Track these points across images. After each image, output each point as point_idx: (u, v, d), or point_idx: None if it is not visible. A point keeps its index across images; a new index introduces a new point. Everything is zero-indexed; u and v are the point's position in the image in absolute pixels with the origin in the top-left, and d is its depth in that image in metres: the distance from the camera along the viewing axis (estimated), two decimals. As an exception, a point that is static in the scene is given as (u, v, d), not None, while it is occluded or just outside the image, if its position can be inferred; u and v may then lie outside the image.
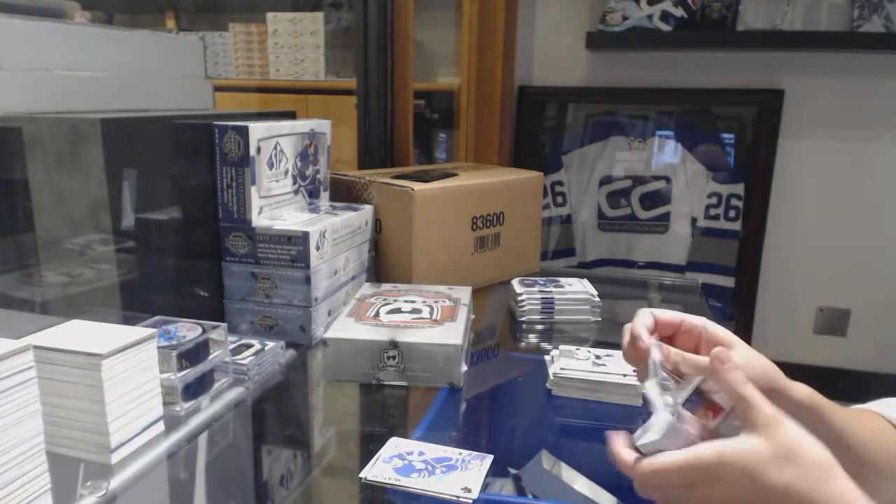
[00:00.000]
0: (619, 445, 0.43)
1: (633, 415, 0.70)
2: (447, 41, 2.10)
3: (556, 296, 0.98)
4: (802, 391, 0.50)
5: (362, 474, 0.57)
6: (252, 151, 0.81)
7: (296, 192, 0.93)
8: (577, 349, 0.81)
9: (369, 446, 0.61)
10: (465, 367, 0.77)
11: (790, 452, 0.38)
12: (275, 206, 0.88)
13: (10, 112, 0.75)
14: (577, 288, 1.00)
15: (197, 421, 0.64)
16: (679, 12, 1.71)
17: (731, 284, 1.88)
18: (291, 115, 1.08)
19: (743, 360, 0.48)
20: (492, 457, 0.59)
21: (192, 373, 0.65)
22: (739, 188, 1.85)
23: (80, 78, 0.87)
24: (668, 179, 1.91)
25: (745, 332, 1.91)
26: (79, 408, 0.54)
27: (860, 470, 0.49)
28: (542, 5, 1.91)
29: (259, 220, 0.84)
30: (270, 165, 0.86)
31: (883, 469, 0.50)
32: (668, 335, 0.52)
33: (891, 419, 0.53)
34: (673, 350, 0.47)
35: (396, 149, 1.40)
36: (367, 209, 1.01)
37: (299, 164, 0.93)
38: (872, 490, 0.49)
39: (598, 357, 0.79)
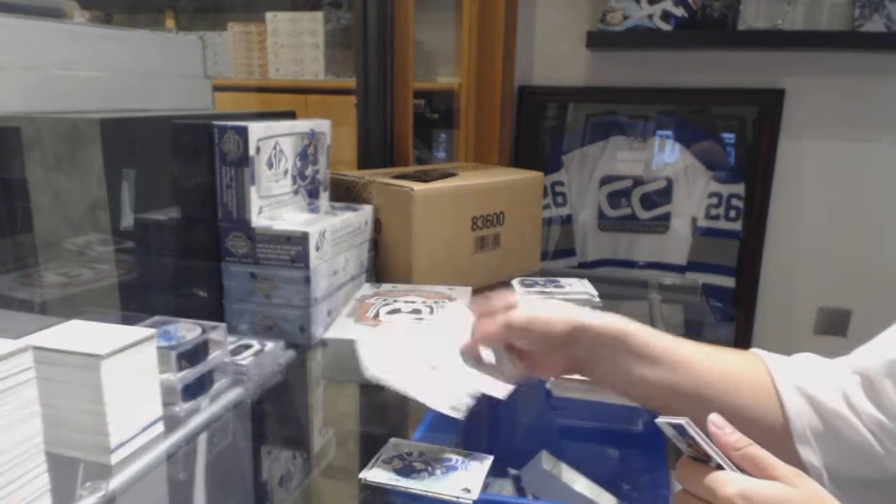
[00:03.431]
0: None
1: (633, 415, 0.70)
2: (447, 41, 2.10)
3: (556, 296, 0.98)
4: (607, 322, 0.57)
5: (362, 475, 0.56)
6: (251, 151, 0.81)
7: (295, 192, 0.93)
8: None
9: (369, 446, 0.61)
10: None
11: (821, 500, 0.40)
12: (274, 206, 0.88)
13: (10, 112, 0.74)
14: (577, 288, 1.00)
15: (196, 421, 0.64)
16: (679, 12, 1.71)
17: (731, 284, 1.88)
18: (291, 115, 1.08)
19: (545, 312, 0.57)
20: (491, 457, 0.59)
21: (191, 373, 0.65)
22: (740, 188, 1.85)
23: (79, 78, 0.87)
24: (668, 179, 1.91)
25: (745, 331, 1.91)
26: (78, 408, 0.54)
27: (687, 396, 0.54)
28: (542, 5, 1.91)
29: (258, 220, 0.84)
30: (270, 165, 0.85)
31: (711, 399, 0.54)
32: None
33: (767, 363, 0.56)
34: None
35: (396, 149, 1.40)
36: (367, 209, 1.01)
37: (299, 164, 0.92)
38: (702, 406, 0.51)
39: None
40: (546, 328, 0.57)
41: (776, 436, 0.52)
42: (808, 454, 0.51)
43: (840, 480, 0.51)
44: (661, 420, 0.44)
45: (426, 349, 0.61)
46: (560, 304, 0.60)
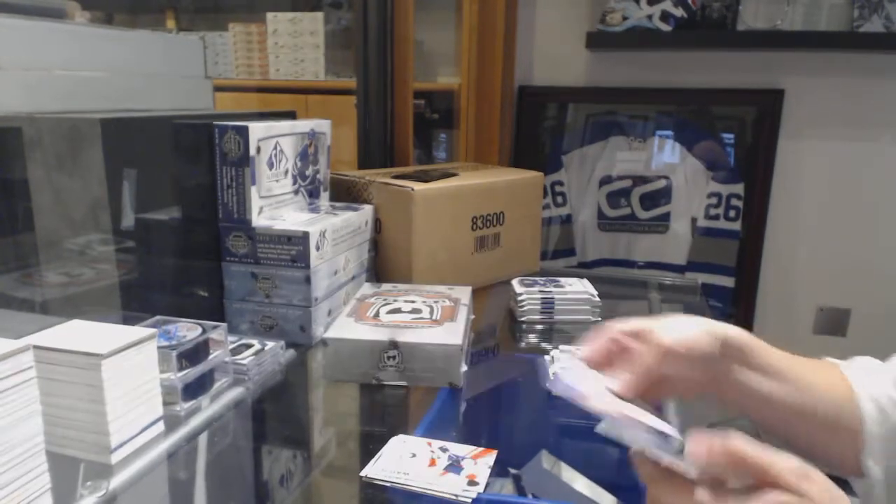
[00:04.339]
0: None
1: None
2: (447, 41, 2.10)
3: (556, 296, 0.98)
4: (738, 333, 0.53)
5: (363, 472, 0.56)
6: (252, 151, 0.81)
7: (296, 192, 0.93)
8: (578, 349, 0.81)
9: (369, 446, 0.61)
10: (465, 367, 0.77)
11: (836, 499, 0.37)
12: (275, 206, 0.88)
13: (10, 112, 0.75)
14: (577, 288, 1.00)
15: (197, 421, 0.64)
16: (679, 12, 1.71)
17: (731, 284, 1.88)
18: (291, 115, 1.08)
19: (675, 337, 0.50)
20: (495, 452, 0.59)
21: (192, 373, 0.65)
22: (739, 188, 1.85)
23: (80, 78, 0.87)
24: (667, 179, 1.91)
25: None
26: (79, 408, 0.54)
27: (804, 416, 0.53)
28: (542, 5, 1.91)
29: (259, 220, 0.84)
30: (270, 165, 0.86)
31: (809, 402, 0.53)
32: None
33: (843, 371, 0.55)
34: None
35: (396, 149, 1.40)
36: (367, 209, 1.01)
37: (299, 164, 0.93)
38: (796, 419, 0.52)
39: (598, 357, 0.78)
40: (692, 348, 0.50)
41: (851, 441, 0.52)
42: (873, 468, 0.51)
43: None
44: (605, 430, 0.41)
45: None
46: (693, 319, 0.53)
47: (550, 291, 0.99)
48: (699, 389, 0.53)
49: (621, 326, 0.53)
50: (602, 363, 0.52)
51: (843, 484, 0.54)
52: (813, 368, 0.56)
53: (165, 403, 0.62)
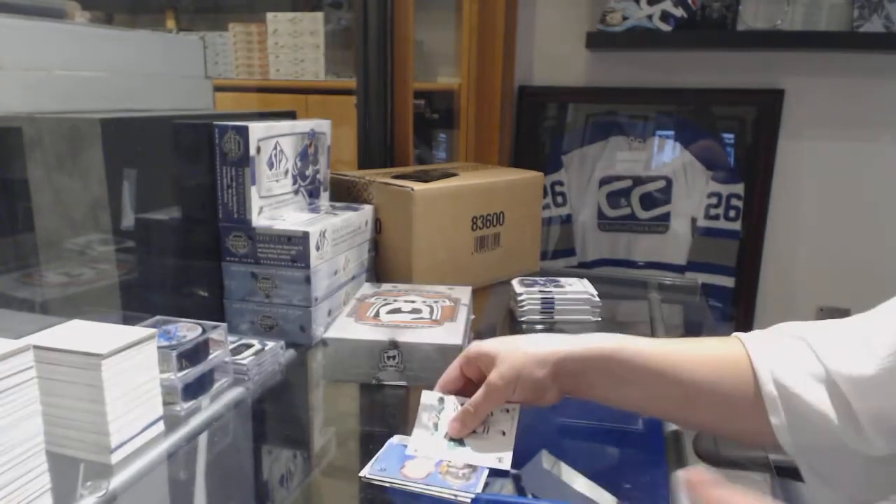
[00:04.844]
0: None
1: (634, 415, 0.70)
2: (447, 41, 2.10)
3: (556, 296, 0.98)
4: (589, 346, 0.57)
5: (362, 473, 0.56)
6: (252, 151, 0.81)
7: (296, 192, 0.93)
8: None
9: (369, 446, 0.61)
10: (465, 367, 0.77)
11: None
12: (275, 206, 0.88)
13: (10, 112, 0.74)
14: (577, 288, 1.00)
15: (197, 421, 0.64)
16: (679, 12, 1.71)
17: (731, 284, 1.88)
18: (291, 115, 1.08)
19: (497, 374, 0.58)
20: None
21: (192, 373, 0.65)
22: (739, 188, 1.85)
23: (80, 78, 0.87)
24: (668, 179, 1.91)
25: (744, 331, 1.91)
26: (79, 408, 0.54)
27: (679, 391, 0.55)
28: (542, 5, 1.91)
29: (259, 220, 0.84)
30: (270, 165, 0.86)
31: (703, 390, 0.55)
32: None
33: (746, 346, 0.56)
34: None
35: (396, 149, 1.40)
36: (367, 209, 1.01)
37: (299, 164, 0.93)
38: (691, 409, 0.56)
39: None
40: (530, 377, 0.57)
41: (752, 411, 0.53)
42: (786, 438, 0.52)
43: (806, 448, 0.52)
44: None
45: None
46: (535, 342, 0.60)
47: (550, 291, 0.99)
48: (560, 397, 0.60)
49: (468, 351, 0.62)
50: (455, 389, 0.63)
51: (795, 473, 0.54)
52: (705, 354, 0.57)
53: (165, 403, 0.62)
